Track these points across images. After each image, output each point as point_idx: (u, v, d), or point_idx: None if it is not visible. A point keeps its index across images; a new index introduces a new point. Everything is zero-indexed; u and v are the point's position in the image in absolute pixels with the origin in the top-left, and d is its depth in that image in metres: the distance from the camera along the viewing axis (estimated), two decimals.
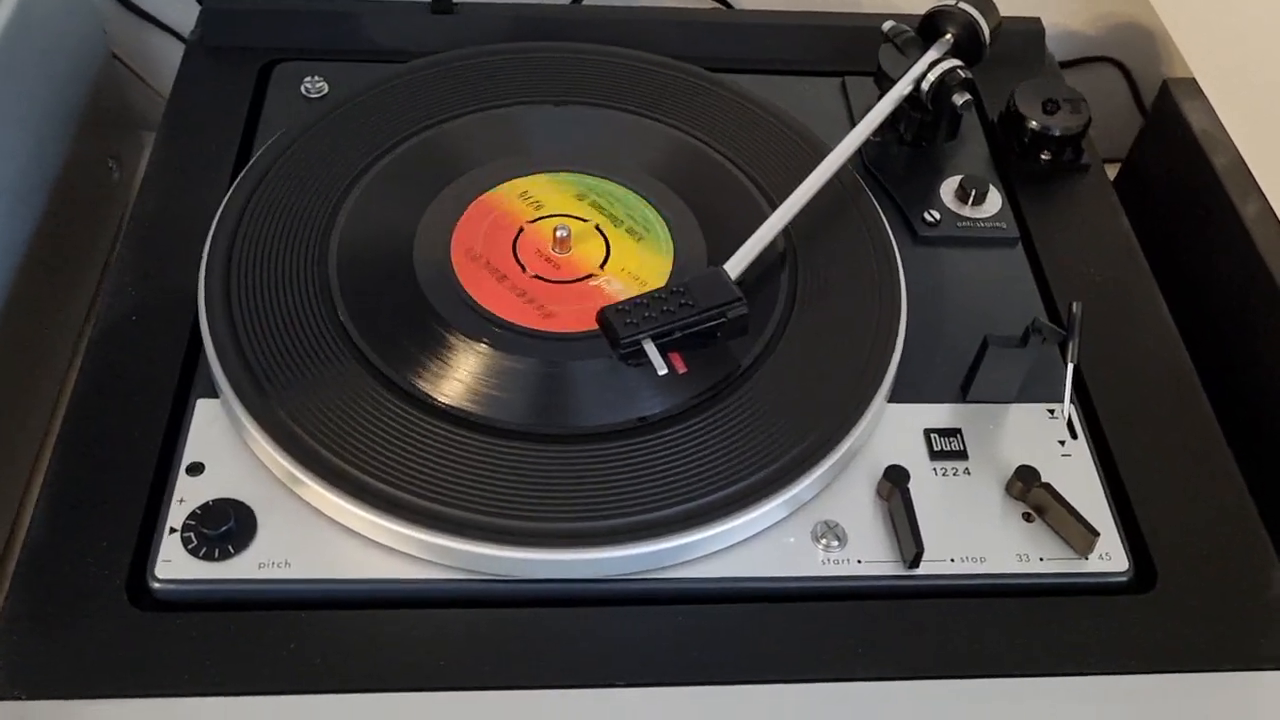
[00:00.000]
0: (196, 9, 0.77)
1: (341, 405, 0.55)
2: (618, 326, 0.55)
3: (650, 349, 0.55)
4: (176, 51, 0.77)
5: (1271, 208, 0.68)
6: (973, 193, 0.69)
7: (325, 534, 0.53)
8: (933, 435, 0.59)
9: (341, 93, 0.71)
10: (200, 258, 0.60)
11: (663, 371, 0.55)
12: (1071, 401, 0.60)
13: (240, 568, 0.51)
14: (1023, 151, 0.73)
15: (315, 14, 0.77)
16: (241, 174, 0.65)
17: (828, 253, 0.64)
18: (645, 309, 0.56)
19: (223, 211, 0.63)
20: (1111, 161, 0.79)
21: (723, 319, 0.57)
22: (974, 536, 0.55)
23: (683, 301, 0.57)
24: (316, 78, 0.73)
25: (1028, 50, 0.81)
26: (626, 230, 0.63)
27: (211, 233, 0.61)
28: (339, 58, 0.75)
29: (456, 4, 0.78)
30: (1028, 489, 0.56)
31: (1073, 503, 0.55)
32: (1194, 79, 0.77)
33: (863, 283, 0.63)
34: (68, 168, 0.75)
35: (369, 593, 0.52)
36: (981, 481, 0.57)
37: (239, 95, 0.72)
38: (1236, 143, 0.70)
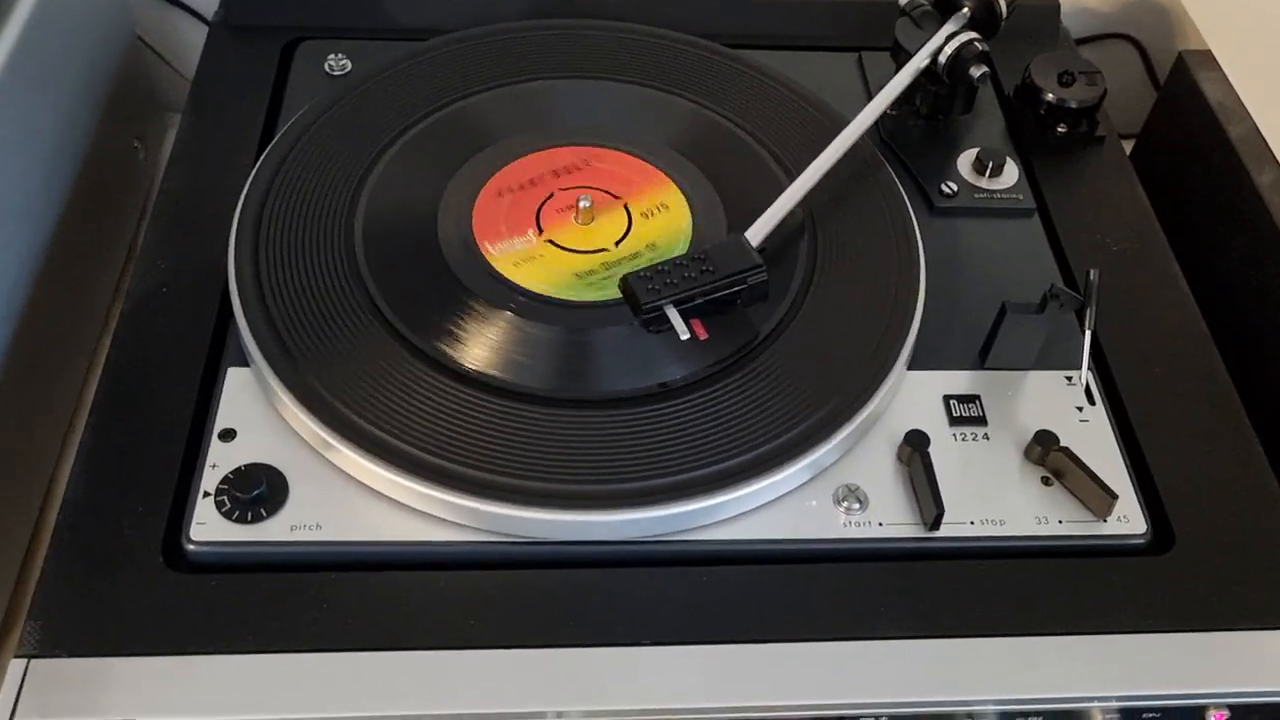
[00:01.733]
0: None
1: (369, 371, 0.56)
2: (640, 292, 0.56)
3: (672, 314, 0.56)
4: (200, 34, 0.78)
5: None
6: (990, 164, 0.69)
7: (355, 497, 0.54)
8: (952, 401, 0.59)
9: (364, 70, 0.72)
10: (228, 230, 0.61)
11: (685, 336, 0.56)
12: (1089, 368, 0.60)
13: (272, 530, 0.52)
14: (1039, 124, 0.73)
15: None
16: (268, 149, 0.66)
17: (847, 223, 0.65)
18: (667, 275, 0.57)
19: (250, 185, 0.64)
20: (1126, 137, 0.79)
21: (743, 285, 0.57)
22: (993, 500, 0.56)
23: (704, 268, 0.57)
24: (339, 55, 0.74)
25: (1043, 25, 0.81)
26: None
27: (240, 205, 0.62)
28: (361, 36, 0.76)
29: None
30: (1046, 453, 0.57)
31: (1091, 466, 0.55)
32: (1209, 51, 0.77)
33: (881, 252, 0.63)
34: (94, 149, 0.76)
35: (398, 554, 0.53)
36: (1000, 446, 0.58)
37: (263, 73, 0.73)
38: (1251, 113, 0.71)
